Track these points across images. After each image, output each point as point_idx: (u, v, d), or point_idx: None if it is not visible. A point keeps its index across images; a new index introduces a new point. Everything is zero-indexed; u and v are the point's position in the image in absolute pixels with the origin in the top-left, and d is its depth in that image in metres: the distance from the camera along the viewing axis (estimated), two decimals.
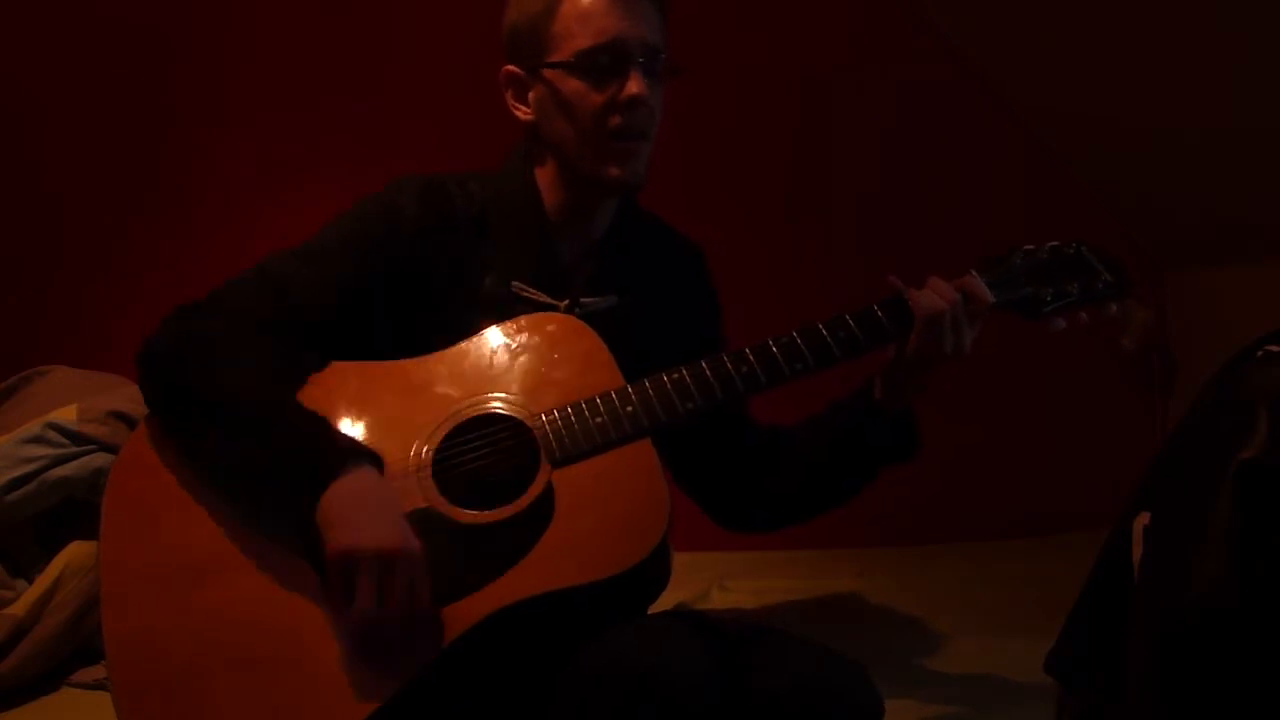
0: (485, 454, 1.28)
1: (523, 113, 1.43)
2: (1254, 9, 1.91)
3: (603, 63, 1.35)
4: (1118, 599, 1.23)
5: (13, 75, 2.50)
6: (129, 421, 1.86)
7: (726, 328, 1.60)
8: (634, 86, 1.34)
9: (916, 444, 1.44)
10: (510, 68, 1.43)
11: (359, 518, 1.14)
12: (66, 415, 1.87)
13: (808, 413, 1.51)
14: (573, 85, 1.36)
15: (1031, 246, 1.41)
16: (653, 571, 1.23)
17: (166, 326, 1.30)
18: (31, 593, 1.73)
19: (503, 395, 1.30)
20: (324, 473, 1.16)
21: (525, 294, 1.39)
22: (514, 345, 1.33)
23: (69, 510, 1.82)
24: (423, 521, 1.21)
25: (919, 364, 1.35)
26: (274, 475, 1.19)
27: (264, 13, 2.53)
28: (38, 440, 1.83)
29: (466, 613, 1.16)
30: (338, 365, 1.33)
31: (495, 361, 1.32)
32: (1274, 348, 1.19)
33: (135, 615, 1.19)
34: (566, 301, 1.40)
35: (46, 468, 1.80)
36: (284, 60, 2.54)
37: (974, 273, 1.38)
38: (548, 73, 1.38)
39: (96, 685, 1.66)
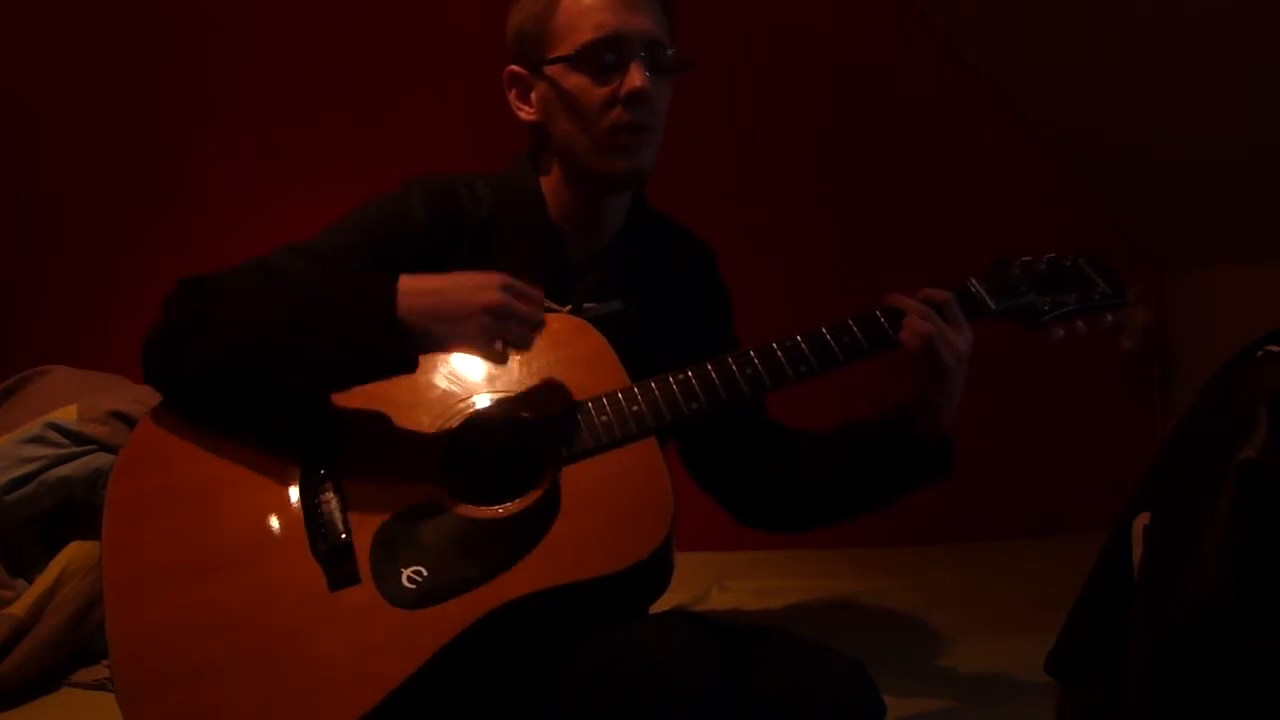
0: (492, 450, 1.28)
1: (526, 113, 1.43)
2: (1247, 16, 1.91)
3: (603, 56, 1.35)
4: (1118, 599, 1.23)
5: (12, 75, 2.50)
6: (129, 421, 1.85)
7: (736, 327, 1.59)
8: (635, 79, 1.34)
9: (950, 468, 1.42)
10: (513, 68, 1.43)
11: (448, 298, 1.20)
12: (66, 415, 1.86)
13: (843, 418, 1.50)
14: (574, 80, 1.36)
15: (1029, 258, 1.42)
16: (655, 571, 1.22)
17: (176, 298, 1.29)
18: (31, 593, 1.73)
19: (509, 393, 1.30)
20: (387, 289, 1.19)
21: None
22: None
23: (69, 510, 1.82)
24: (430, 514, 1.22)
25: (931, 376, 1.34)
26: (341, 320, 1.20)
27: (263, 13, 2.53)
28: (38, 440, 1.82)
29: (471, 606, 1.16)
30: None
31: (502, 360, 1.32)
32: (1274, 348, 1.19)
33: (138, 613, 1.18)
34: (570, 307, 1.40)
35: (46, 468, 1.80)
36: (284, 60, 2.54)
37: (972, 280, 1.39)
38: (550, 69, 1.38)
39: (97, 685, 1.66)
